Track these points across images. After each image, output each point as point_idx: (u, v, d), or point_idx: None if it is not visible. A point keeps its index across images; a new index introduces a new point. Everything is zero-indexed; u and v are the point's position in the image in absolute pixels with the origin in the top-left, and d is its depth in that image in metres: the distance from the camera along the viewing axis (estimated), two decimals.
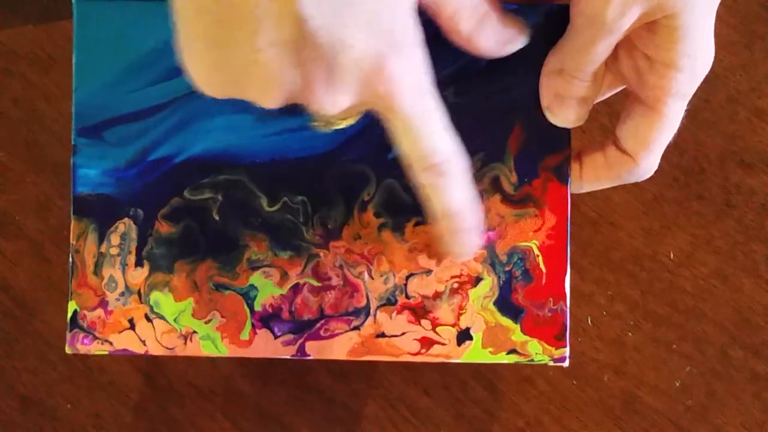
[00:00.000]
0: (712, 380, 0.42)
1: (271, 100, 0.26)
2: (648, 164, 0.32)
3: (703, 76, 0.30)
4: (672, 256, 0.43)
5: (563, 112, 0.32)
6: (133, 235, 0.32)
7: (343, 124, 0.31)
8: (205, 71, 0.25)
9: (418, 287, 0.32)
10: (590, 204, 0.43)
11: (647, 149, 0.31)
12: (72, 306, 0.32)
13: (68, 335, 0.32)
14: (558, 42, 0.31)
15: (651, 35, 0.29)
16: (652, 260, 0.43)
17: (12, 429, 0.43)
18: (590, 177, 0.33)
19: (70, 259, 0.32)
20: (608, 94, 0.35)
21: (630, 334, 0.42)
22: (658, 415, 0.42)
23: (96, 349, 0.32)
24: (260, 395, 0.43)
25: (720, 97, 0.43)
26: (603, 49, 0.30)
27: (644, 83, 0.30)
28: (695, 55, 0.29)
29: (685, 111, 0.31)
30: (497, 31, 0.30)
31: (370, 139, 0.32)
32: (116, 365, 0.43)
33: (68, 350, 0.32)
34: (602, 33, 0.29)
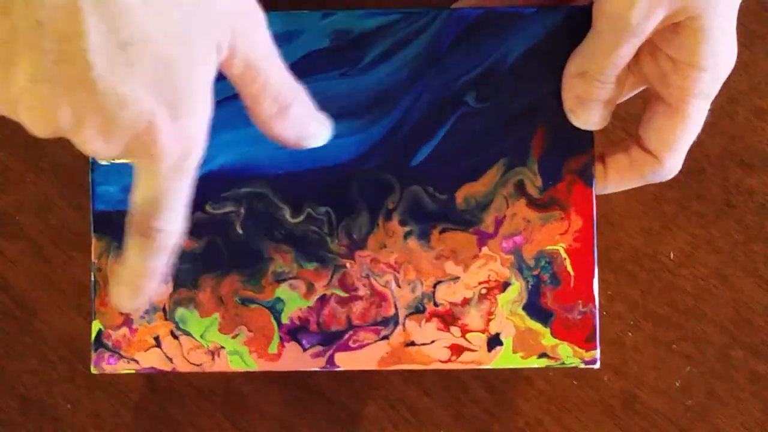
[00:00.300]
0: (712, 380, 0.42)
1: (38, 130, 0.25)
2: (673, 164, 0.32)
3: (726, 76, 0.30)
4: (672, 256, 0.43)
5: (586, 115, 0.32)
6: None
7: (116, 161, 0.30)
8: None
9: (446, 294, 0.32)
10: None
11: (671, 149, 0.31)
12: (96, 325, 0.32)
13: (93, 355, 0.32)
14: (580, 44, 0.31)
15: (674, 36, 0.29)
16: (652, 260, 0.43)
17: (12, 429, 0.43)
18: (615, 178, 0.33)
19: (92, 278, 0.32)
20: (630, 95, 0.35)
21: (630, 334, 0.42)
22: (658, 415, 0.42)
23: (122, 368, 0.32)
24: (260, 395, 0.43)
25: (720, 97, 0.43)
26: (626, 51, 0.30)
27: (668, 84, 0.30)
28: (718, 55, 0.29)
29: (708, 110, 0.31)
30: (296, 124, 0.29)
31: (393, 146, 0.32)
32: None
33: (94, 370, 0.32)
34: (626, 35, 0.29)
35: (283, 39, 0.31)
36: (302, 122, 0.29)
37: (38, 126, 0.25)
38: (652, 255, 0.43)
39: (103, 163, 0.31)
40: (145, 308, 0.32)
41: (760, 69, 0.42)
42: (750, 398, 0.42)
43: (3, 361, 0.43)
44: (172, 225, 0.28)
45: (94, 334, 0.32)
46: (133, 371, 0.32)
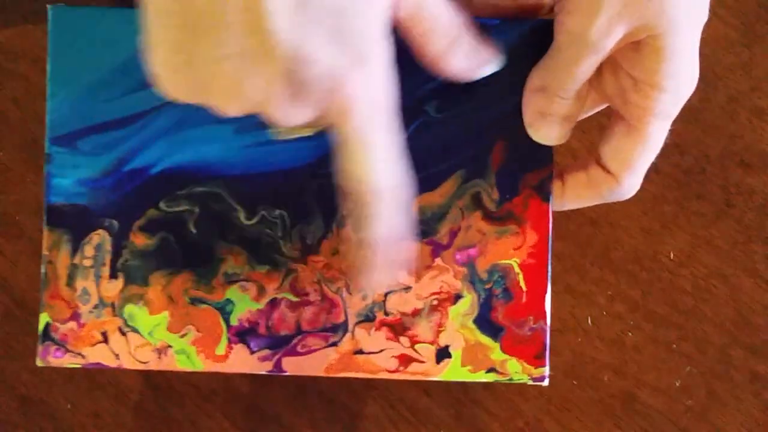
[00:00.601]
0: (712, 380, 0.42)
1: (233, 108, 0.25)
2: (630, 184, 0.31)
3: (687, 97, 0.30)
4: (672, 256, 0.43)
5: (545, 130, 0.31)
6: (108, 246, 0.32)
7: (303, 134, 0.30)
8: (170, 74, 0.25)
9: (397, 304, 0.32)
10: None
11: (630, 169, 0.31)
12: (44, 318, 0.32)
13: (40, 348, 0.32)
14: (542, 59, 0.31)
15: (636, 55, 0.29)
16: (652, 260, 0.43)
17: (12, 429, 0.43)
18: (572, 195, 0.33)
19: (42, 270, 0.32)
20: (591, 112, 0.34)
21: (630, 334, 0.42)
22: (658, 415, 0.42)
23: (68, 362, 0.32)
24: (260, 395, 0.43)
25: (720, 97, 0.43)
26: (586, 67, 0.29)
27: (628, 102, 0.30)
28: (680, 76, 0.29)
29: (670, 128, 0.31)
30: (468, 54, 0.29)
31: None
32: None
33: (39, 363, 0.32)
34: (586, 51, 0.29)
35: None
36: (473, 52, 0.29)
37: (233, 102, 0.25)
38: (652, 255, 0.43)
39: (302, 134, 0.31)
40: (118, 288, 0.32)
41: (760, 69, 0.42)
42: (750, 398, 0.42)
43: (3, 361, 0.43)
44: (382, 180, 0.27)
45: (41, 327, 0.32)
46: (79, 365, 0.32)
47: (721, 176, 0.42)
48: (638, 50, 0.29)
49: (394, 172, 0.28)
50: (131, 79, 0.31)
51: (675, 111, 0.30)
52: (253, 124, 0.31)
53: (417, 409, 0.42)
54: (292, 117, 0.26)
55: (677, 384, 0.42)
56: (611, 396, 0.42)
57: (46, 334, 0.32)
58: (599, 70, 0.30)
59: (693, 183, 0.43)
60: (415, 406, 0.42)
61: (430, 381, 0.42)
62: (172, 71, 0.25)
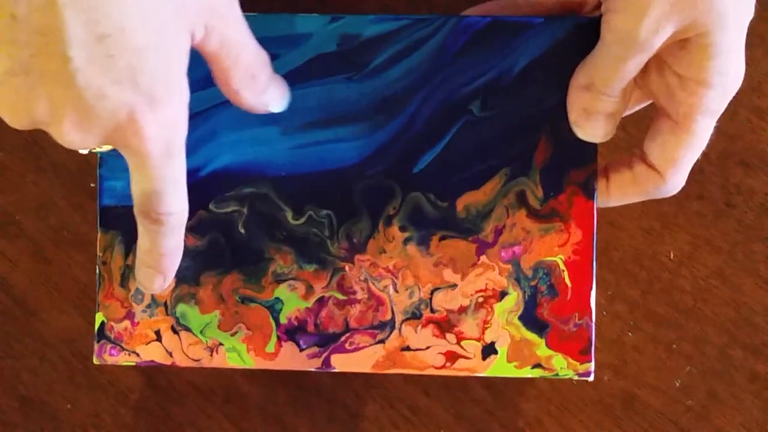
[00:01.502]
0: (712, 380, 0.42)
1: (15, 122, 0.25)
2: (676, 181, 0.32)
3: (734, 93, 0.30)
4: (672, 256, 0.43)
5: (590, 127, 0.31)
6: None
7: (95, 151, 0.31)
8: None
9: (443, 301, 0.32)
10: None
11: (675, 166, 0.31)
12: (99, 317, 0.33)
13: (96, 346, 0.33)
14: (587, 56, 0.31)
15: (683, 52, 0.29)
16: (652, 260, 0.43)
17: (12, 429, 0.43)
18: (617, 193, 0.33)
19: (97, 271, 0.33)
20: (636, 109, 0.34)
21: (630, 334, 0.42)
22: (658, 415, 0.42)
23: (123, 360, 0.33)
24: (260, 395, 0.43)
25: None
26: (633, 66, 0.29)
27: (674, 100, 0.30)
28: (727, 72, 0.29)
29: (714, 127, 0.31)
30: (264, 91, 0.30)
31: (396, 152, 0.32)
32: (116, 365, 0.43)
33: (96, 361, 0.33)
34: (634, 50, 0.29)
35: (290, 42, 0.32)
36: (269, 89, 0.30)
37: (15, 118, 0.25)
38: (652, 255, 0.43)
39: (83, 152, 0.32)
40: (171, 287, 0.33)
41: (760, 69, 0.42)
42: (750, 398, 0.42)
43: (3, 361, 0.43)
44: (176, 206, 0.28)
45: (97, 326, 0.33)
46: (134, 363, 0.33)
47: (721, 176, 0.42)
48: (685, 48, 0.29)
49: (183, 193, 0.29)
50: None
51: (721, 108, 0.30)
52: (299, 125, 0.32)
53: (417, 409, 0.42)
54: (75, 142, 0.26)
55: (677, 384, 0.42)
56: (611, 396, 0.42)
57: (102, 333, 0.33)
58: (645, 68, 0.30)
59: (693, 183, 0.43)
60: (415, 406, 0.42)
61: (430, 380, 0.42)
62: None
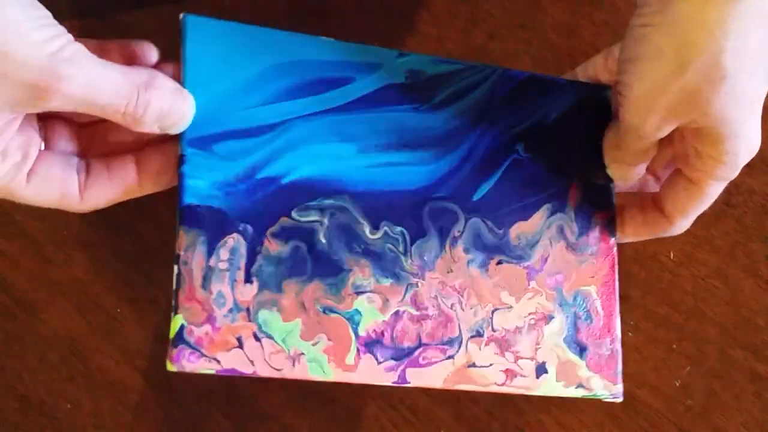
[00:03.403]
0: (712, 380, 0.42)
1: None
2: (682, 226, 0.35)
3: (747, 161, 0.32)
4: (672, 256, 0.43)
5: (621, 173, 0.36)
6: (243, 251, 0.31)
7: None
8: None
9: (502, 321, 0.34)
10: None
11: (684, 216, 0.35)
12: (178, 320, 0.30)
13: (173, 351, 0.30)
14: (613, 121, 0.35)
15: (696, 133, 0.32)
16: (652, 260, 0.43)
17: (12, 429, 0.43)
18: (630, 232, 0.36)
19: (176, 270, 0.30)
20: (663, 172, 0.38)
21: (630, 334, 0.42)
22: (658, 415, 0.42)
23: (203, 367, 0.30)
24: (260, 395, 0.43)
25: None
26: (648, 144, 0.33)
27: (691, 166, 0.33)
28: (737, 152, 0.32)
29: None
30: (146, 127, 0.30)
31: (459, 179, 0.35)
32: (116, 365, 0.43)
33: (172, 368, 0.30)
34: (643, 139, 0.33)
35: (364, 68, 0.34)
36: (161, 116, 0.30)
37: None
38: (652, 255, 0.43)
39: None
40: (253, 292, 0.32)
41: None
42: (750, 398, 0.42)
43: (3, 361, 0.43)
44: None
45: (175, 330, 0.30)
46: (213, 371, 0.31)
47: None
48: (698, 131, 0.32)
49: None
50: (267, 92, 0.33)
51: (733, 175, 0.33)
52: (373, 145, 0.34)
53: (417, 409, 0.42)
54: None
55: (677, 384, 0.42)
56: None
57: (180, 337, 0.30)
58: (669, 136, 0.33)
59: None
60: (415, 406, 0.42)
61: None
62: None
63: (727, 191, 0.42)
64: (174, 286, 0.31)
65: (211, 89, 0.32)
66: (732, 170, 0.32)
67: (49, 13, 0.28)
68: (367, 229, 0.33)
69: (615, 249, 0.36)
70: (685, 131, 0.32)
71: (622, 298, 0.42)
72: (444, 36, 0.44)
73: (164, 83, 0.30)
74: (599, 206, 0.36)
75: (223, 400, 0.43)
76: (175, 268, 0.31)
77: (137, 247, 0.43)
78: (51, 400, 0.43)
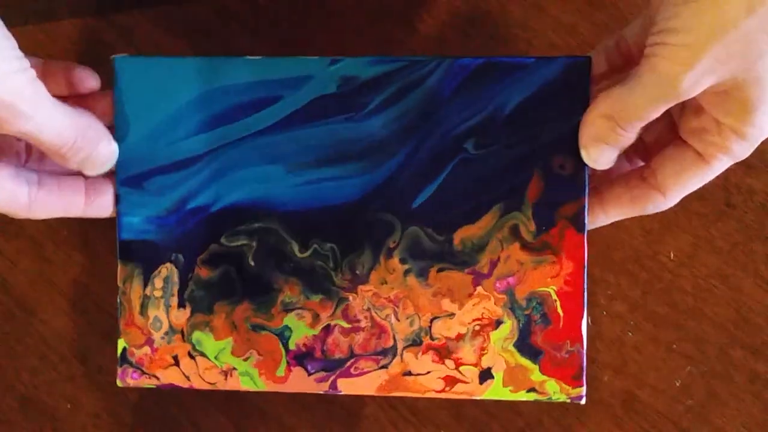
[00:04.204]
0: (712, 380, 0.42)
1: None
2: (675, 199, 0.33)
3: (761, 141, 0.31)
4: (672, 256, 0.43)
5: (597, 155, 0.33)
6: (175, 278, 0.34)
7: None
8: None
9: (442, 329, 0.34)
10: None
11: (683, 190, 0.32)
12: (122, 344, 0.35)
13: (119, 370, 0.35)
14: (615, 87, 0.31)
15: (722, 102, 0.30)
16: (652, 260, 0.43)
17: (12, 429, 0.43)
18: (615, 212, 0.34)
19: (118, 300, 0.34)
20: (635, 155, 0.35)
21: (630, 334, 0.42)
22: (658, 415, 0.42)
23: (145, 383, 0.35)
24: (260, 395, 0.43)
25: None
26: (662, 109, 0.30)
27: (705, 140, 0.31)
28: (761, 126, 0.30)
29: None
30: (74, 165, 0.32)
31: (395, 188, 0.34)
32: (116, 365, 0.43)
33: (119, 384, 0.35)
34: (672, 96, 0.29)
35: (293, 84, 0.34)
36: (86, 162, 0.32)
37: None
38: (652, 255, 0.43)
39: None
40: (187, 315, 0.35)
41: None
42: (750, 398, 0.42)
43: (3, 361, 0.43)
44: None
45: (119, 352, 0.35)
46: (154, 386, 0.35)
47: (721, 176, 0.42)
48: (725, 98, 0.30)
49: None
50: (190, 123, 0.34)
51: (747, 154, 0.31)
52: (303, 163, 0.34)
53: (417, 409, 0.42)
54: None
55: (677, 384, 0.42)
56: (611, 396, 0.42)
57: (124, 358, 0.35)
58: (683, 108, 0.32)
59: None
60: (415, 406, 0.42)
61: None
62: None
63: (727, 191, 0.42)
64: (118, 314, 0.34)
65: (140, 128, 0.34)
66: (749, 147, 0.31)
67: (15, 44, 0.28)
68: (296, 248, 0.34)
69: (585, 246, 0.34)
70: (707, 100, 0.30)
71: (623, 298, 0.42)
72: (444, 36, 0.44)
73: (98, 132, 0.32)
74: (565, 198, 0.33)
75: (223, 399, 0.43)
76: (118, 297, 0.34)
77: None
78: (51, 400, 0.43)
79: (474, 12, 0.45)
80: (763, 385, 0.42)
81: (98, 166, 0.33)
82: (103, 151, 0.33)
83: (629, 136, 0.32)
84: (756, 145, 0.31)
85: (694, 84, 0.29)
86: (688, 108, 0.32)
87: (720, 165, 0.32)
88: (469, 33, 0.44)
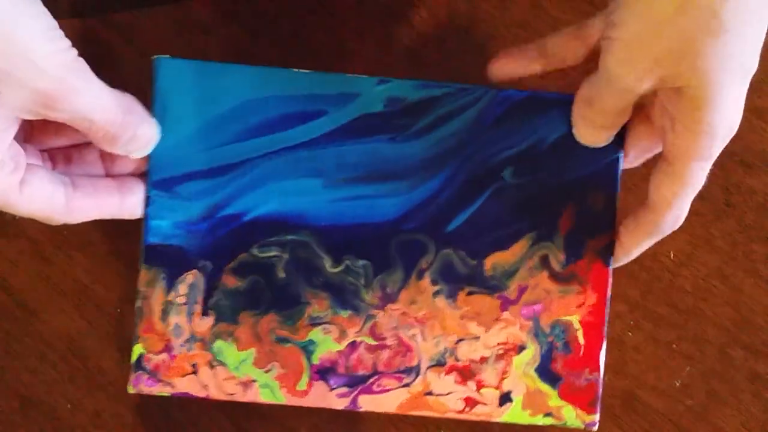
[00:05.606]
0: (712, 380, 0.42)
1: None
2: (672, 218, 0.32)
3: (726, 141, 0.30)
4: (672, 256, 0.43)
5: (586, 134, 0.33)
6: (201, 286, 0.34)
7: None
8: None
9: (467, 351, 0.34)
10: None
11: (669, 206, 0.32)
12: (137, 349, 0.34)
13: (132, 376, 0.34)
14: (593, 74, 0.32)
15: (676, 97, 0.30)
16: (652, 260, 0.43)
17: (12, 429, 0.43)
18: (629, 242, 0.34)
19: (138, 305, 0.34)
20: (648, 155, 0.35)
21: (630, 334, 0.42)
22: (658, 415, 0.42)
23: (158, 390, 0.34)
24: None
25: None
26: (625, 99, 0.31)
27: (668, 142, 0.31)
28: (717, 124, 0.29)
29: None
30: (120, 148, 0.32)
31: (431, 211, 0.34)
32: (116, 366, 0.43)
33: (131, 390, 0.34)
34: (622, 90, 0.30)
35: (339, 100, 0.34)
36: (131, 143, 0.32)
37: None
38: (652, 255, 0.43)
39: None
40: (209, 324, 0.35)
41: (761, 69, 0.42)
42: (750, 398, 0.42)
43: (3, 361, 0.43)
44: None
45: (134, 358, 0.34)
46: (168, 394, 0.34)
47: (721, 176, 0.42)
48: (678, 94, 0.29)
49: None
50: (229, 131, 0.34)
51: (712, 153, 0.30)
52: (342, 179, 0.34)
53: None
54: None
55: (677, 384, 0.42)
56: (611, 396, 0.42)
57: (139, 365, 0.34)
58: (650, 103, 0.32)
59: None
60: None
61: None
62: None
63: (727, 191, 0.42)
64: (136, 318, 0.34)
65: (176, 131, 0.33)
66: (708, 147, 0.30)
67: (57, 24, 0.28)
68: (327, 263, 0.34)
69: (609, 279, 0.35)
70: (663, 95, 0.30)
71: (623, 298, 0.42)
72: (444, 36, 0.44)
73: (139, 109, 0.32)
74: (595, 232, 0.34)
75: (224, 400, 0.43)
76: (137, 301, 0.34)
77: (137, 247, 0.43)
78: (51, 400, 0.43)
79: (474, 12, 0.45)
80: (763, 385, 0.42)
81: (143, 147, 0.32)
82: (146, 131, 0.32)
83: (609, 117, 0.32)
84: (718, 144, 0.30)
85: (638, 80, 0.29)
86: (656, 105, 0.32)
87: (688, 170, 0.31)
88: (469, 33, 0.44)
